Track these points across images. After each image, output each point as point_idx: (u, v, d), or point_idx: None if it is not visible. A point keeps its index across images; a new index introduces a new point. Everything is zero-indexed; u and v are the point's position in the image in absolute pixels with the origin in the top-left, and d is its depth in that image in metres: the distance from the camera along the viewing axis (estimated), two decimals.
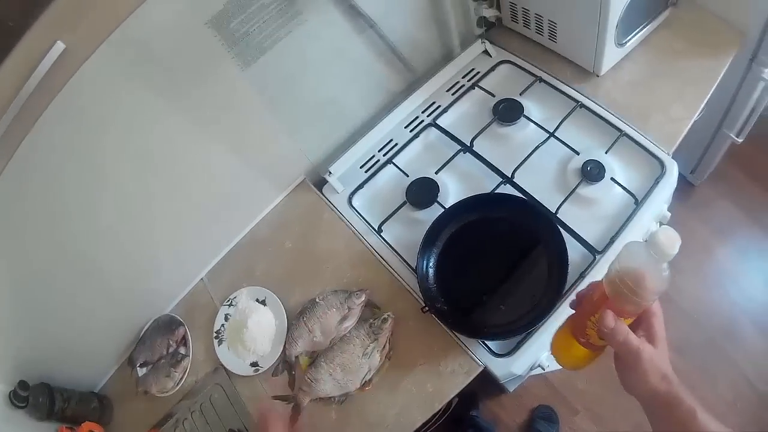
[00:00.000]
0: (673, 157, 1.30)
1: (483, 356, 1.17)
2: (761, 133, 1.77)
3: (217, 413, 1.31)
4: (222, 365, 1.33)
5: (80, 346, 1.34)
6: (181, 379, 1.34)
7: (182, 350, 1.37)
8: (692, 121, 1.34)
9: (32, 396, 1.21)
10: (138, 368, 1.38)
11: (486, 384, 1.22)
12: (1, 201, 0.97)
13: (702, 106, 1.35)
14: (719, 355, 1.96)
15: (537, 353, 1.19)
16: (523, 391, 1.98)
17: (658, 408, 0.73)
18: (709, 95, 1.36)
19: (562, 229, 1.21)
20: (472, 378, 1.17)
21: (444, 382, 1.18)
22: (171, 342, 1.37)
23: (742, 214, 2.17)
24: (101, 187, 1.12)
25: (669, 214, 1.31)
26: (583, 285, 1.18)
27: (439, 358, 1.19)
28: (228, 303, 1.39)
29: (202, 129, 1.20)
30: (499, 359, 1.17)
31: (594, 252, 1.21)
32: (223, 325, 1.37)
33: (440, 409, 1.21)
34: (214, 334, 1.36)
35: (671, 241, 0.66)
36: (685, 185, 2.20)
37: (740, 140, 1.70)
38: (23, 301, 1.17)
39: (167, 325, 1.39)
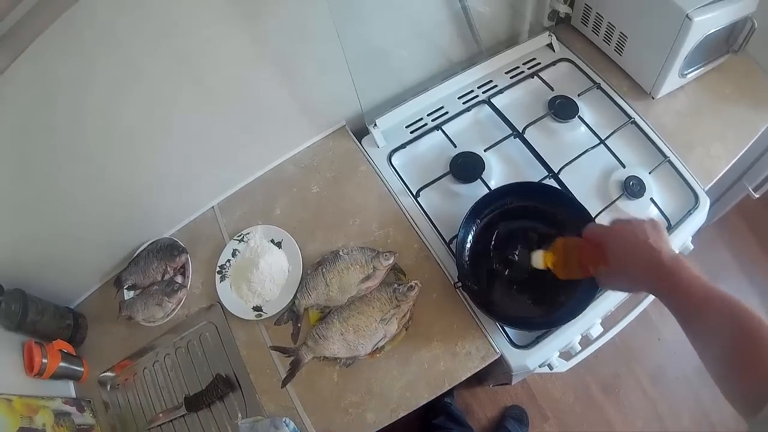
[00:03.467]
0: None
1: (501, 344, 1.14)
2: None
3: (205, 354, 1.22)
4: (220, 303, 1.23)
5: (65, 255, 1.22)
6: (173, 310, 1.23)
7: (179, 279, 1.26)
8: (730, 164, 1.37)
9: (5, 302, 1.10)
10: (125, 290, 1.25)
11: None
12: (22, 77, 0.85)
13: (742, 152, 1.38)
14: (689, 391, 2.03)
15: (552, 351, 1.17)
16: (499, 387, 1.97)
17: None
18: (750, 144, 1.39)
19: None
20: (486, 364, 1.13)
21: (458, 362, 1.13)
22: (168, 269, 1.25)
23: (736, 265, 2.24)
24: (129, 83, 1.00)
25: (692, 246, 1.33)
26: (610, 295, 1.20)
27: (456, 338, 1.15)
28: (239, 238, 1.28)
29: (257, 42, 1.11)
30: (516, 350, 1.14)
31: None
32: (229, 260, 1.27)
33: None
34: (218, 269, 1.26)
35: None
36: None
37: (756, 196, 1.75)
38: (12, 196, 1.04)
39: (167, 249, 1.27)
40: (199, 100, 1.13)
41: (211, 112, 1.18)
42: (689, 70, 1.40)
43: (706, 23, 1.23)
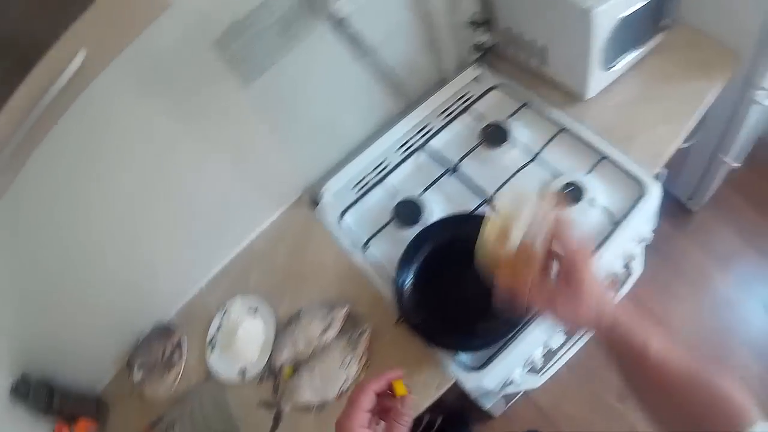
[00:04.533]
0: (665, 181, 1.33)
1: (454, 370, 1.19)
2: (762, 158, 1.75)
3: (204, 418, 1.37)
4: (213, 371, 1.40)
5: (82, 346, 1.42)
6: (174, 383, 1.41)
7: (176, 355, 1.44)
8: (679, 142, 1.35)
9: (33, 391, 1.27)
10: (135, 371, 1.45)
11: (476, 407, 1.22)
12: (14, 203, 1.04)
13: (689, 126, 1.36)
14: None
15: (509, 368, 1.22)
16: (513, 414, 1.96)
17: (610, 344, 0.74)
18: (697, 116, 1.36)
19: None
20: (443, 390, 1.19)
21: (416, 393, 1.18)
22: (167, 347, 1.44)
23: (740, 240, 2.14)
24: (107, 195, 1.20)
25: (652, 236, 1.32)
26: None
27: (412, 371, 1.22)
28: (222, 311, 1.46)
29: (205, 144, 1.28)
30: (470, 373, 1.18)
31: None
32: (216, 332, 1.44)
33: (423, 426, 1.24)
34: (208, 341, 1.44)
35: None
36: (683, 211, 2.19)
37: (737, 165, 1.69)
38: (29, 297, 1.25)
39: (165, 330, 1.48)
40: (169, 202, 1.33)
41: (182, 210, 1.37)
42: (616, 62, 1.40)
43: (610, 11, 1.24)
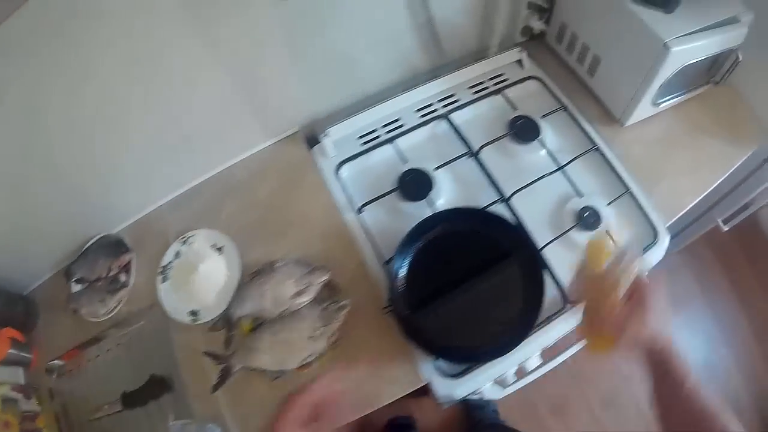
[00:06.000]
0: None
1: (429, 372, 1.13)
2: (746, 230, 1.82)
3: (144, 351, 1.24)
4: (160, 304, 1.25)
5: (16, 241, 1.23)
6: (115, 308, 1.26)
7: (123, 277, 1.28)
8: (698, 200, 1.32)
9: None
10: (73, 283, 1.28)
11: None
12: None
13: (712, 186, 1.33)
14: (639, 419, 2.02)
15: (483, 383, 1.16)
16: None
17: (656, 364, 0.86)
18: (720, 180, 1.34)
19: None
20: (410, 390, 1.13)
21: (382, 386, 1.13)
22: (113, 266, 1.27)
23: (699, 292, 2.23)
24: (82, 81, 1.00)
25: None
26: (549, 330, 1.17)
27: (384, 362, 1.15)
28: (183, 240, 1.30)
29: (212, 48, 1.10)
30: (444, 380, 1.13)
31: (566, 300, 1.18)
32: (171, 262, 1.29)
33: None
34: (160, 270, 1.28)
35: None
36: None
37: (726, 228, 1.70)
38: None
39: (114, 246, 1.30)
40: (148, 100, 1.13)
41: (160, 113, 1.17)
42: (663, 99, 1.34)
43: (685, 54, 1.18)
